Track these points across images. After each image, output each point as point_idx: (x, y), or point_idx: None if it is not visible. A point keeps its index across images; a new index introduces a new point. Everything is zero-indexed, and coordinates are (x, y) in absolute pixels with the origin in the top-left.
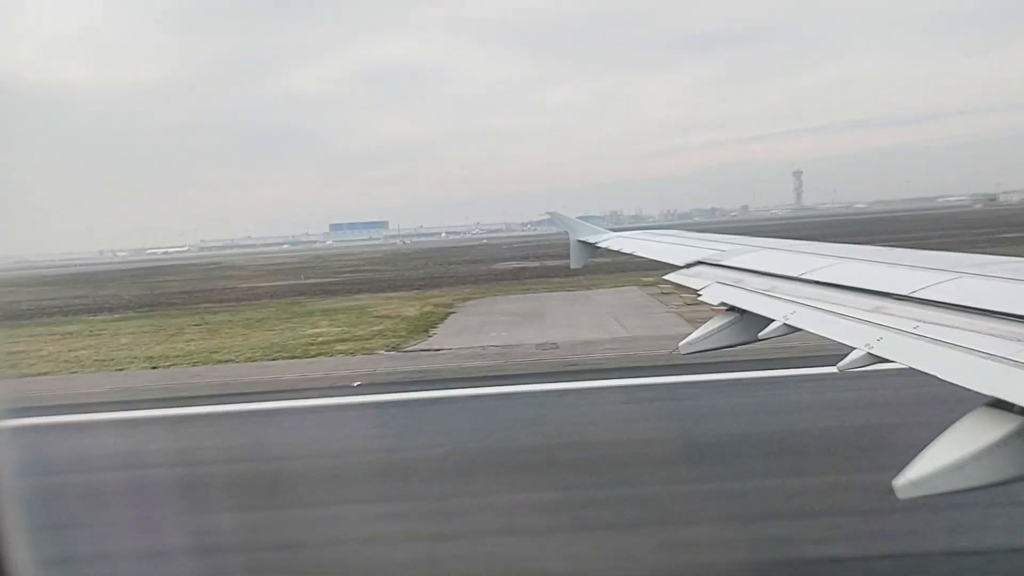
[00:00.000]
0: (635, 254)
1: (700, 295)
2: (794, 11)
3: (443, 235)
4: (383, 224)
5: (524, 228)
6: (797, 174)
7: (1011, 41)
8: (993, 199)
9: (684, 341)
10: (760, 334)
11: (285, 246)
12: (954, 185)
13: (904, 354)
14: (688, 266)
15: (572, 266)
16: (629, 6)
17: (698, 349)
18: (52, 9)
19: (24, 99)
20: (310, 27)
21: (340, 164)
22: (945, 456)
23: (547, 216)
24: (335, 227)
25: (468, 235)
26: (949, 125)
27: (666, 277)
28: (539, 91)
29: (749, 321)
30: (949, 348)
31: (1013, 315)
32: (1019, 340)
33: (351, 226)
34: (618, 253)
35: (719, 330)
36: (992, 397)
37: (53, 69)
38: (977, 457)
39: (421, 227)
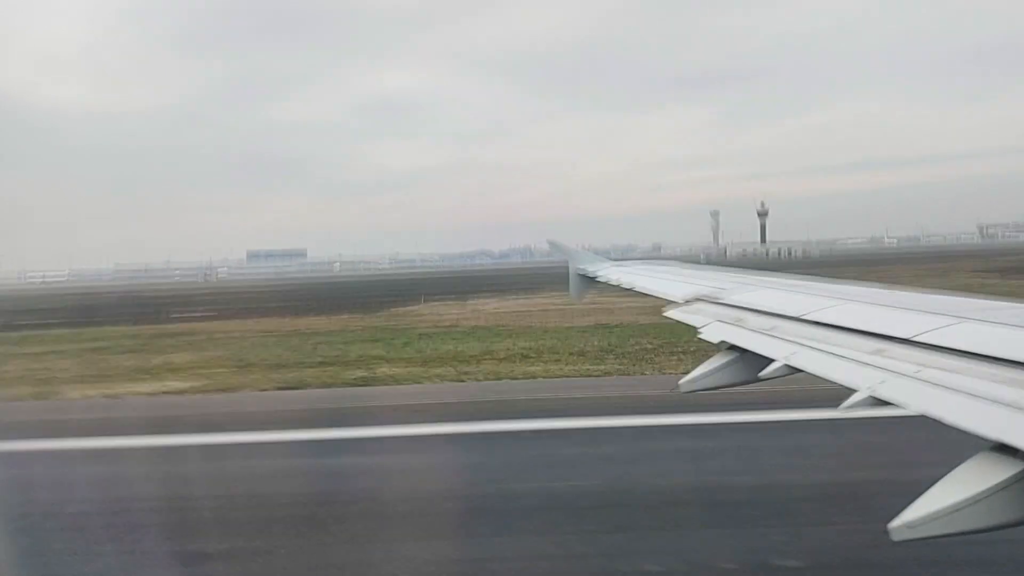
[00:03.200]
0: (634, 287)
1: (700, 333)
2: (793, 53)
3: (336, 266)
4: (302, 252)
5: (443, 261)
6: (714, 214)
7: (1008, 88)
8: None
9: (684, 379)
10: (760, 374)
11: (177, 274)
12: (929, 226)
13: (908, 397)
14: (687, 302)
15: (571, 297)
16: (630, 45)
17: (698, 388)
18: (49, 29)
19: (18, 118)
20: (310, 56)
21: (334, 191)
22: (945, 499)
23: (483, 250)
24: (252, 255)
25: (375, 266)
26: (944, 168)
27: (665, 313)
28: (538, 125)
29: (750, 360)
30: (953, 393)
31: (1017, 361)
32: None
33: (269, 254)
34: (616, 286)
35: (719, 369)
36: (996, 441)
37: (49, 89)
38: (977, 501)
39: (339, 255)
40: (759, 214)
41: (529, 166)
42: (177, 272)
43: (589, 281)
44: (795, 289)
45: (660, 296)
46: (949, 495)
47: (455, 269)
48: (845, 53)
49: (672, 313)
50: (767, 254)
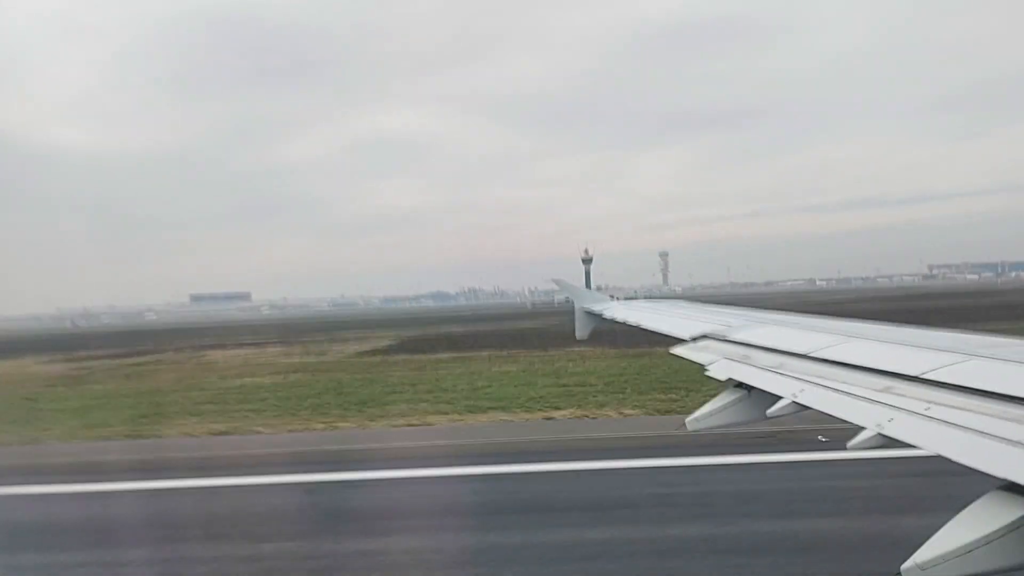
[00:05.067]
0: (640, 325)
1: (707, 371)
2: (786, 93)
3: (265, 310)
4: (246, 295)
5: (385, 303)
6: (663, 255)
7: (996, 127)
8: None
9: (691, 417)
10: (768, 412)
11: (104, 317)
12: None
13: (916, 436)
14: (694, 339)
15: (577, 336)
16: (624, 85)
17: (705, 426)
18: (52, 73)
19: (21, 162)
20: (308, 97)
21: (333, 231)
22: (957, 539)
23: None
24: (195, 298)
25: (311, 308)
26: (937, 206)
27: (672, 351)
28: (535, 165)
29: (757, 398)
30: (962, 431)
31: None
32: None
33: (212, 297)
34: (623, 324)
35: (726, 407)
36: (1005, 480)
37: (51, 133)
38: (990, 541)
39: (285, 299)
40: (583, 261)
41: (512, 207)
42: (105, 315)
43: (595, 319)
44: (801, 326)
45: (666, 334)
46: (961, 535)
47: (378, 311)
48: (822, 100)
49: (679, 351)
50: None
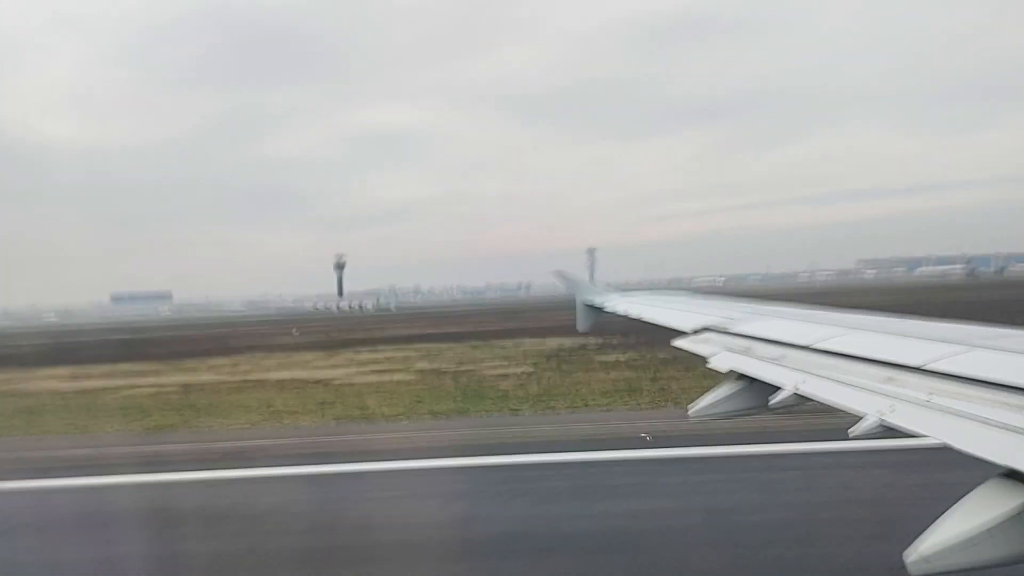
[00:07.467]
0: (641, 318)
1: (709, 363)
2: (786, 84)
3: (165, 311)
4: (167, 295)
5: (295, 303)
6: (590, 252)
7: (1002, 118)
8: None
9: (694, 408)
10: (770, 403)
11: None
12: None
13: (917, 423)
14: (696, 332)
15: (579, 328)
16: (620, 77)
17: (708, 416)
18: (47, 68)
19: (15, 155)
20: (303, 90)
21: (323, 225)
22: (959, 529)
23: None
24: (116, 298)
25: (225, 308)
26: (942, 196)
27: (674, 343)
28: (532, 158)
29: (759, 389)
30: (963, 419)
31: None
32: None
33: (132, 297)
34: (624, 316)
35: (728, 397)
36: (1006, 467)
37: (45, 126)
38: (992, 531)
39: (207, 298)
40: (336, 267)
41: (487, 203)
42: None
43: (596, 312)
44: (804, 318)
45: (668, 327)
46: (963, 524)
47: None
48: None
49: (681, 343)
50: (337, 307)
